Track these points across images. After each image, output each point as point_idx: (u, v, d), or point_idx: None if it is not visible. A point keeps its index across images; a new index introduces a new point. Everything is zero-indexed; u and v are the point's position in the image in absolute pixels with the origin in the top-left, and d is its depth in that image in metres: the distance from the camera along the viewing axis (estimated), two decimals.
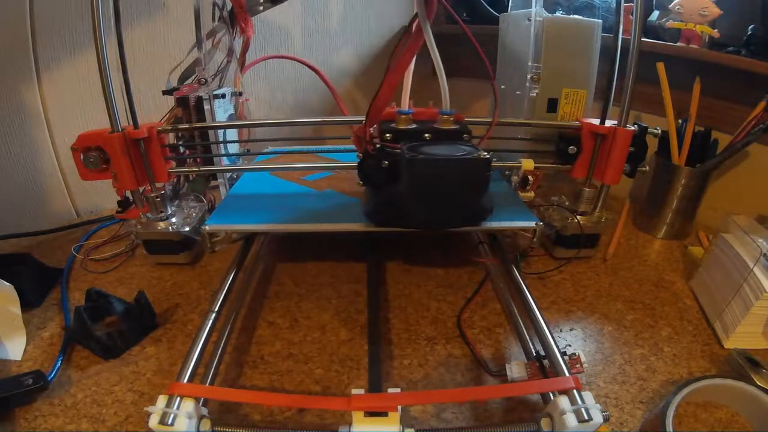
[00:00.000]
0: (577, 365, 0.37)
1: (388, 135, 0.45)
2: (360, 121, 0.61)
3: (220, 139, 0.60)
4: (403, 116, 0.46)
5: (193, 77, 0.60)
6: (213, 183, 0.64)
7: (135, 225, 0.55)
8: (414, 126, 0.46)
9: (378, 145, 0.45)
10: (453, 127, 0.46)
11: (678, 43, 0.66)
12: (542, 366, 0.38)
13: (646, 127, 0.52)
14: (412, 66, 0.45)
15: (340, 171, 0.63)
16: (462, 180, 0.42)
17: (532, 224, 0.49)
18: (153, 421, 0.30)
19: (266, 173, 0.63)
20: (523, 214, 0.51)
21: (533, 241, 0.50)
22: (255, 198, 0.57)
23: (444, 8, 1.04)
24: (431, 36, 0.42)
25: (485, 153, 0.41)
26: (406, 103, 0.49)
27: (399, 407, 0.32)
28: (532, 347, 0.42)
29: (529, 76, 0.60)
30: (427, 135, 0.46)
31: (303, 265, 0.58)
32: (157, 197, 0.53)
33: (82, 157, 0.49)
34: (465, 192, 0.43)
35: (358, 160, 0.45)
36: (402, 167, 0.42)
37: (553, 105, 0.60)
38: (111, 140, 0.48)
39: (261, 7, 0.60)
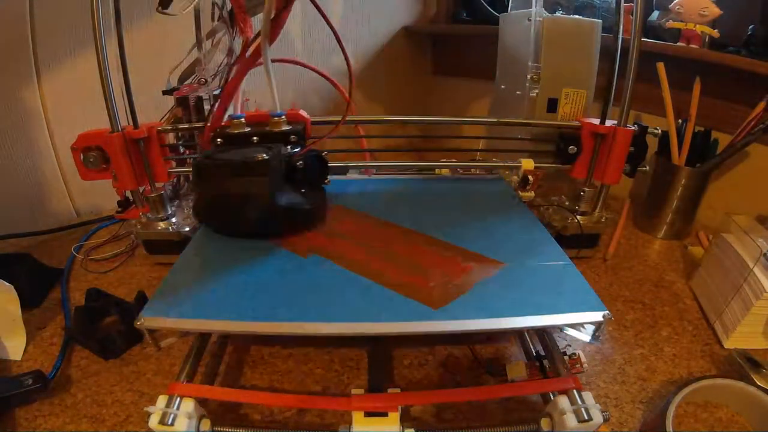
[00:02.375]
0: (577, 365, 0.37)
1: (218, 140, 0.47)
2: (360, 121, 0.61)
3: None
4: (235, 121, 0.48)
5: (193, 77, 0.60)
6: None
7: (135, 225, 0.55)
8: (247, 130, 0.48)
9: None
10: (284, 128, 0.48)
11: (678, 43, 0.66)
12: (542, 366, 0.38)
13: (646, 127, 0.52)
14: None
15: (330, 219, 0.49)
16: (243, 182, 0.43)
17: (599, 317, 0.35)
18: (153, 421, 0.30)
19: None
20: (582, 297, 0.37)
21: (597, 337, 0.36)
22: (215, 271, 0.41)
23: (445, 8, 1.04)
24: (268, 55, 0.45)
25: (265, 155, 0.42)
26: (238, 108, 0.52)
27: (399, 407, 0.31)
28: (532, 347, 0.42)
29: (529, 76, 0.60)
30: (255, 138, 0.47)
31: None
32: (157, 197, 0.53)
33: (82, 157, 0.49)
34: (250, 194, 0.43)
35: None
36: (195, 171, 0.44)
37: (553, 105, 0.60)
38: (111, 140, 0.48)
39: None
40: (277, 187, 0.44)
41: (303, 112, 0.53)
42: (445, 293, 0.37)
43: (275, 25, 0.43)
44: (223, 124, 0.49)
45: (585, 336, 0.37)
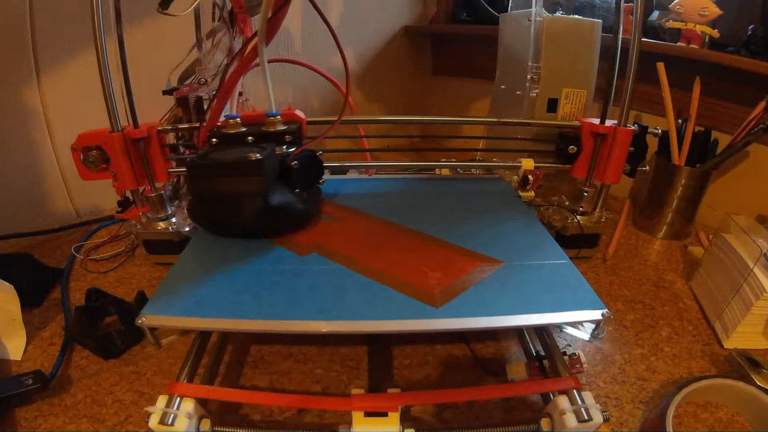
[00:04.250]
0: (577, 365, 0.37)
1: (213, 140, 0.48)
2: (360, 121, 0.61)
3: None
4: (230, 121, 0.48)
5: (193, 77, 0.60)
6: None
7: (135, 225, 0.55)
8: (242, 130, 0.48)
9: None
10: (279, 128, 0.48)
11: (678, 43, 0.66)
12: (542, 366, 0.38)
13: (647, 127, 0.52)
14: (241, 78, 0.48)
15: (332, 219, 0.50)
16: (236, 182, 0.43)
17: (597, 315, 0.35)
18: (153, 421, 0.30)
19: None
20: (581, 295, 0.37)
21: (596, 336, 0.36)
22: (214, 271, 0.41)
23: (445, 8, 1.04)
24: (265, 55, 0.45)
25: (259, 155, 0.42)
26: (233, 108, 0.52)
27: (399, 407, 0.32)
28: (532, 347, 0.42)
29: (529, 76, 0.60)
30: (250, 138, 0.48)
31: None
32: (157, 197, 0.53)
33: (82, 156, 0.49)
34: (243, 194, 0.43)
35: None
36: (188, 172, 0.44)
37: (553, 105, 0.60)
38: (111, 140, 0.48)
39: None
40: (270, 186, 0.44)
41: (298, 112, 0.53)
42: (444, 292, 0.37)
43: (272, 25, 0.43)
44: (219, 124, 0.49)
45: (584, 334, 0.37)
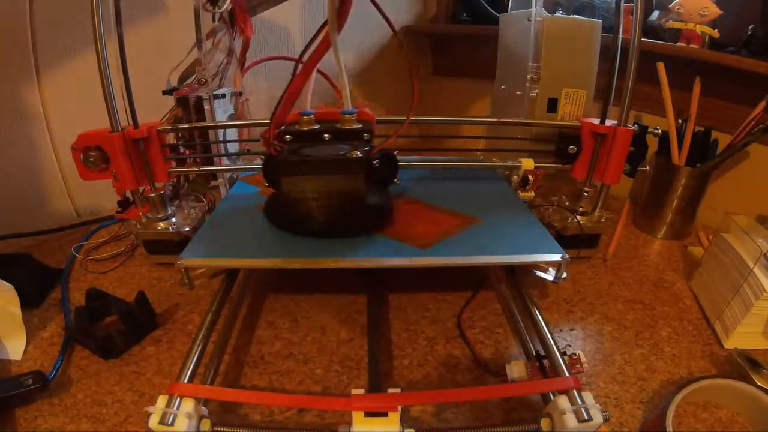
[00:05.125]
0: (577, 365, 0.37)
1: (288, 136, 0.46)
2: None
3: (220, 139, 0.60)
4: (305, 117, 0.47)
5: (193, 77, 0.60)
6: (213, 183, 0.64)
7: (135, 225, 0.54)
8: (317, 127, 0.47)
9: (280, 147, 0.45)
10: (355, 126, 0.47)
11: (678, 43, 0.66)
12: (542, 366, 0.38)
13: (647, 127, 0.52)
14: (315, 71, 0.46)
15: None
16: (337, 180, 0.42)
17: (557, 257, 0.42)
18: (153, 421, 0.30)
19: (256, 193, 0.58)
20: (543, 243, 0.45)
21: (558, 277, 0.43)
22: (239, 224, 0.49)
23: (445, 8, 1.04)
24: (337, 44, 0.43)
25: (359, 152, 0.41)
26: (308, 103, 0.50)
27: (399, 407, 0.32)
28: (532, 347, 0.42)
29: (529, 76, 0.60)
30: (326, 135, 0.46)
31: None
32: (157, 197, 0.53)
33: (82, 156, 0.49)
34: (343, 192, 0.43)
35: (263, 162, 0.46)
36: (280, 169, 0.43)
37: (553, 105, 0.60)
38: (111, 140, 0.48)
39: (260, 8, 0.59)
40: (366, 185, 0.43)
41: (368, 111, 0.50)
42: (431, 240, 0.45)
43: (342, 13, 0.41)
44: (288, 121, 0.47)
45: (549, 276, 0.43)
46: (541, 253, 0.43)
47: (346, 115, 0.46)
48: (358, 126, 0.47)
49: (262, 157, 0.47)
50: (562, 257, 0.42)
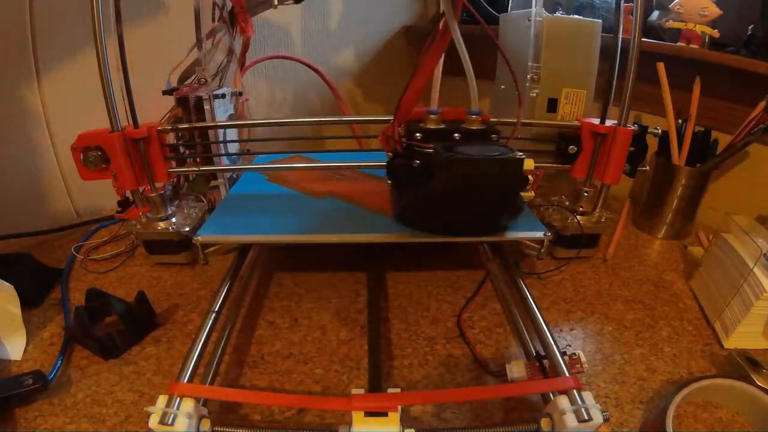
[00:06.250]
0: (577, 365, 0.37)
1: (418, 135, 0.45)
2: (360, 121, 0.61)
3: (220, 139, 0.60)
4: (432, 116, 0.46)
5: (193, 77, 0.60)
6: (213, 183, 0.64)
7: (135, 225, 0.55)
8: (443, 126, 0.46)
9: (405, 145, 0.45)
10: (481, 127, 0.47)
11: (678, 43, 0.66)
12: (542, 366, 0.38)
13: (646, 127, 0.52)
14: (440, 65, 0.46)
15: (340, 176, 0.62)
16: (499, 180, 0.42)
17: (540, 234, 0.48)
18: (153, 421, 0.30)
19: (263, 180, 0.62)
20: (529, 223, 0.50)
21: (541, 252, 0.48)
22: (251, 206, 0.55)
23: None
24: (459, 34, 0.41)
25: (520, 153, 0.41)
26: (435, 102, 0.49)
27: (399, 407, 0.32)
28: (532, 347, 0.42)
29: (529, 76, 0.60)
30: (456, 135, 0.46)
31: (303, 265, 0.57)
32: (157, 197, 0.53)
33: (82, 157, 0.49)
34: (501, 193, 0.43)
35: (388, 160, 0.45)
36: (437, 167, 0.42)
37: (553, 105, 0.60)
38: (111, 140, 0.48)
39: (277, 3, 0.58)
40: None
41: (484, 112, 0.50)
42: None
43: (456, 5, 0.40)
44: (412, 118, 0.47)
45: (534, 252, 0.49)
46: (527, 231, 0.48)
47: (473, 116, 0.47)
48: (484, 127, 0.47)
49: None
50: (544, 234, 0.47)
